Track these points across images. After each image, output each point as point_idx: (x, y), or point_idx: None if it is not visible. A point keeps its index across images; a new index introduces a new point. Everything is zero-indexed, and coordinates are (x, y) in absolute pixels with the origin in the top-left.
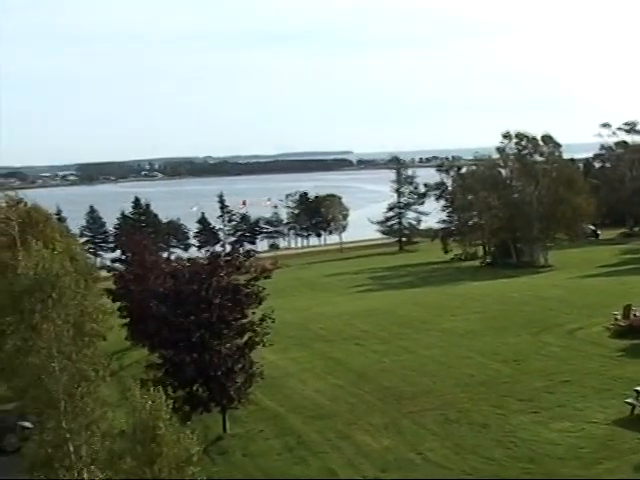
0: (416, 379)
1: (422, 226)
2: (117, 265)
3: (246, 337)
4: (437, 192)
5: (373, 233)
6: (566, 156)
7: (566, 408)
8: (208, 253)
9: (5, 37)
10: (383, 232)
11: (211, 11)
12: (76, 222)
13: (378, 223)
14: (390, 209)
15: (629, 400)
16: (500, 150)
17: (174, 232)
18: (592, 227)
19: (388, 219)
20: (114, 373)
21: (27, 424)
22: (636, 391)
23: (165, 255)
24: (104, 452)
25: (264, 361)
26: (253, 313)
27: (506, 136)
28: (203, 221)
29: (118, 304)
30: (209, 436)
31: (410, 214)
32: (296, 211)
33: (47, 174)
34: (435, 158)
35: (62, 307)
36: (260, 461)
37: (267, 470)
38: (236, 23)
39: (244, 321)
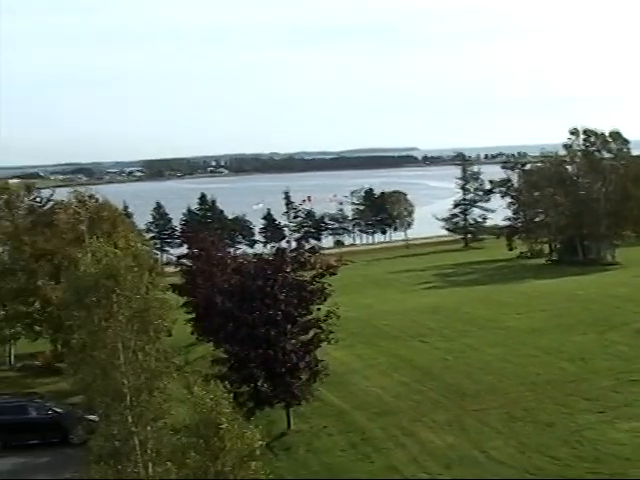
0: (480, 377)
1: (488, 223)
2: (183, 261)
3: (311, 334)
4: (503, 189)
5: (438, 230)
6: (635, 153)
7: (633, 408)
8: (273, 249)
9: (66, 35)
10: (448, 229)
11: (264, 6)
12: (142, 218)
13: (443, 220)
14: (455, 206)
15: None
16: (567, 147)
17: (240, 228)
18: None
19: (453, 216)
20: (180, 368)
21: (93, 417)
22: None
23: (231, 251)
24: (169, 446)
25: (329, 357)
26: (318, 309)
27: (573, 132)
28: (268, 217)
29: (184, 299)
30: (273, 432)
31: (476, 211)
32: (361, 207)
33: (114, 170)
34: (501, 155)
35: (126, 302)
36: (324, 457)
37: (331, 466)
38: (286, 19)
39: (309, 317)
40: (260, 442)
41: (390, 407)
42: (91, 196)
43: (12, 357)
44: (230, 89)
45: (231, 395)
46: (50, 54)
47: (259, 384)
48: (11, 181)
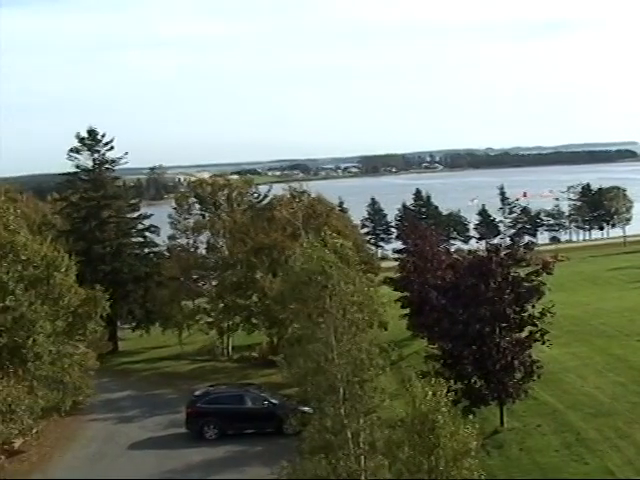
0: None
1: None
2: (399, 255)
3: (526, 331)
4: None
5: None
6: None
7: None
8: (488, 245)
9: (275, 34)
10: None
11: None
12: (358, 213)
13: None
14: None
15: None
16: None
17: (454, 224)
18: None
19: None
20: (394, 363)
21: (306, 409)
22: None
23: (445, 247)
24: (382, 440)
25: (543, 355)
26: (533, 307)
27: None
28: (483, 213)
29: (399, 294)
30: (486, 429)
31: None
32: (578, 203)
33: (330, 166)
34: None
35: (338, 297)
36: (536, 457)
37: (543, 466)
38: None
39: (524, 315)
40: (475, 442)
41: (606, 408)
42: (304, 192)
43: (230, 348)
44: (442, 85)
45: (449, 393)
46: (271, 55)
47: (472, 381)
48: (230, 177)
